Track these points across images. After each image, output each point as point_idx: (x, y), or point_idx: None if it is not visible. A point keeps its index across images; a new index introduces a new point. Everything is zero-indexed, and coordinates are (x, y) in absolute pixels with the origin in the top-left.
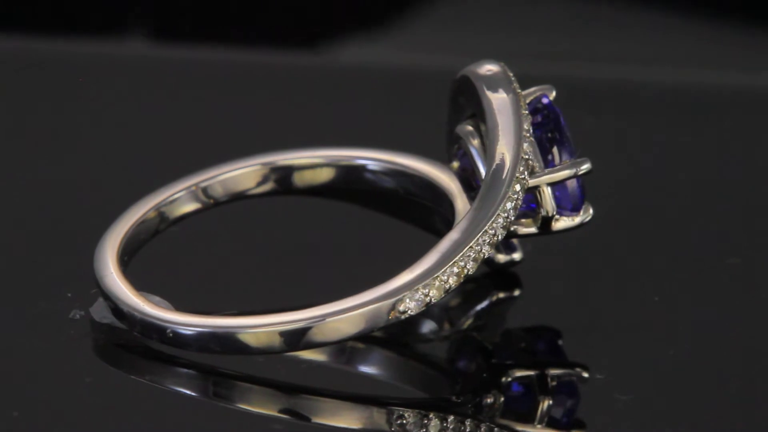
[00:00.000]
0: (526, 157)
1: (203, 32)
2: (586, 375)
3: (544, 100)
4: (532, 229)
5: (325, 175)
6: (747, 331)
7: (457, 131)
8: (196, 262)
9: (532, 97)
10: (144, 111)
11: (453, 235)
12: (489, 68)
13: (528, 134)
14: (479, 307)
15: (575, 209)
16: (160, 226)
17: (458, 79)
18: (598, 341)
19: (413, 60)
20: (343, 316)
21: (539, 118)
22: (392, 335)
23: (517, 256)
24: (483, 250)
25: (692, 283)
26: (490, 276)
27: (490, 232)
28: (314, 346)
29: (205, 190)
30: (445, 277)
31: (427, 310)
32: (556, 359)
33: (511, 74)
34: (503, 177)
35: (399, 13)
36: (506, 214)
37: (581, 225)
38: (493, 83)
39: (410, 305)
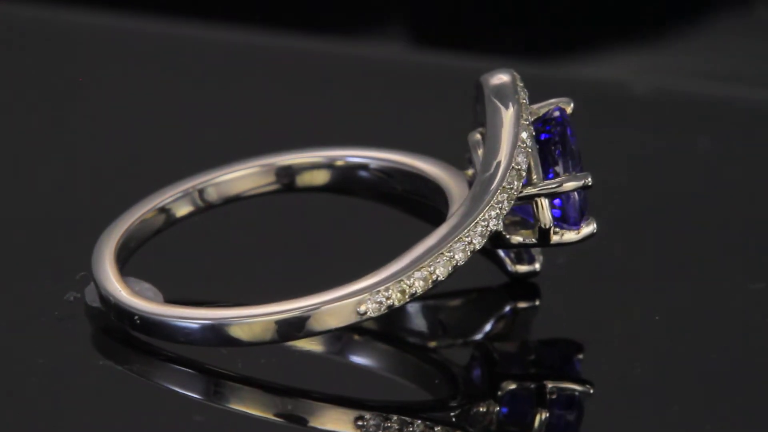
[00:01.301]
0: (518, 167)
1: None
2: (591, 391)
3: (555, 113)
4: (530, 240)
5: (323, 176)
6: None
7: (467, 139)
8: (195, 259)
9: (545, 110)
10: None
11: (429, 240)
12: (499, 77)
13: (525, 145)
14: (496, 316)
15: (574, 223)
16: (162, 225)
17: (475, 86)
18: (609, 355)
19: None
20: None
21: (548, 131)
22: (395, 336)
23: (537, 266)
24: (456, 257)
25: (717, 304)
26: (509, 286)
27: (466, 239)
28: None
29: (201, 193)
30: (410, 281)
31: (441, 315)
32: (563, 373)
33: (521, 85)
34: (490, 187)
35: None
36: (486, 224)
37: (582, 240)
38: (499, 93)
39: (370, 306)
